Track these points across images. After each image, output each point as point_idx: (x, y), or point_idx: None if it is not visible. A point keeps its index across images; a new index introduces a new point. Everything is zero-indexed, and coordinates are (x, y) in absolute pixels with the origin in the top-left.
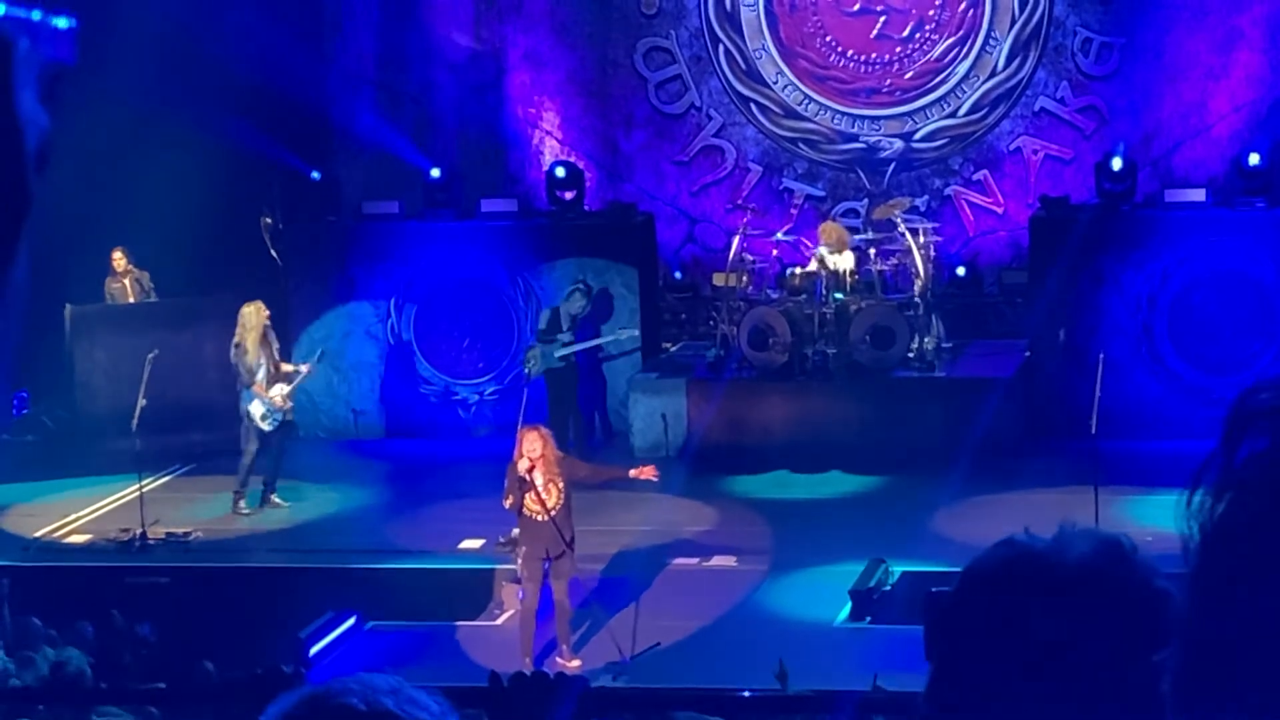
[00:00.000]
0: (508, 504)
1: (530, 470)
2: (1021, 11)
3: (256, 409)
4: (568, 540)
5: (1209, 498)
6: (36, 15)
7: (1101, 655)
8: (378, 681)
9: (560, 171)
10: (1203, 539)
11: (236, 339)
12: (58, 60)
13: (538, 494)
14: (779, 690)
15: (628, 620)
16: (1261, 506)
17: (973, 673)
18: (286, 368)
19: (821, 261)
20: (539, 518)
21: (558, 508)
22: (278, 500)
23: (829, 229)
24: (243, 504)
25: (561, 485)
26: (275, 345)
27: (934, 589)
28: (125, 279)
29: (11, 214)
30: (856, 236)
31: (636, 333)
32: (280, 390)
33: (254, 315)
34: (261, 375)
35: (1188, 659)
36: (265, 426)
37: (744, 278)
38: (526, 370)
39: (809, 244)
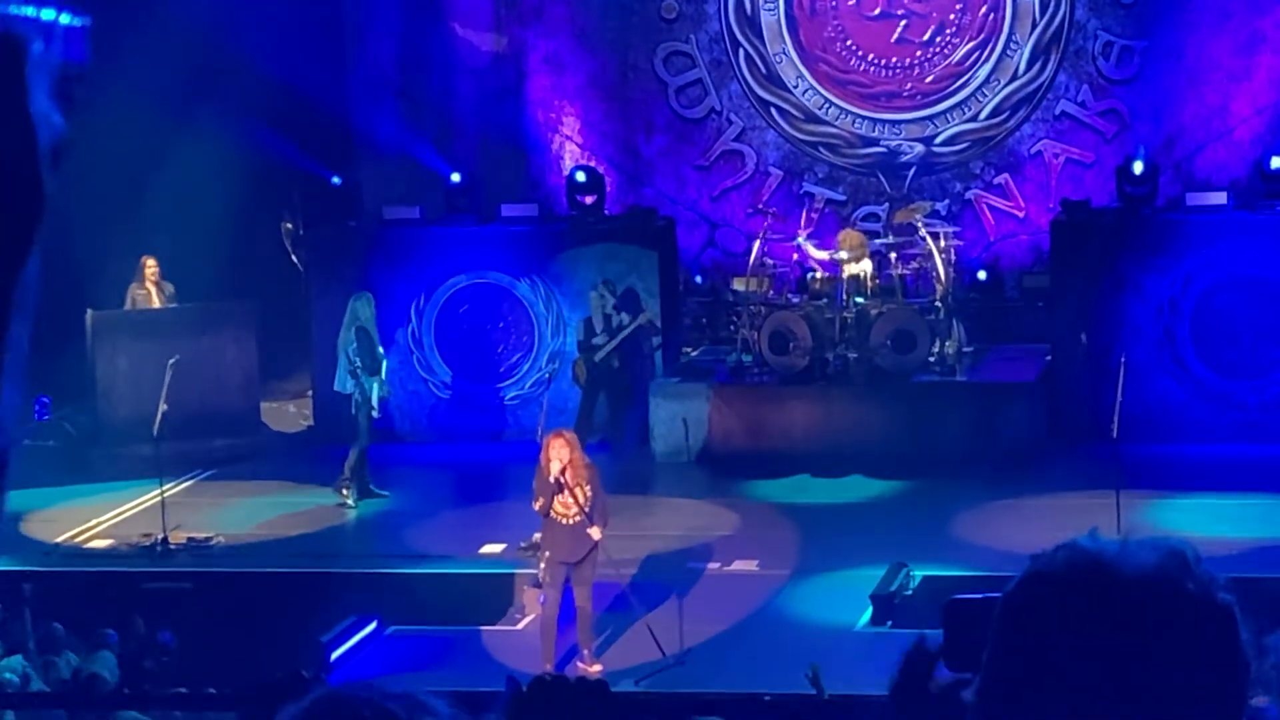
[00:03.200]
0: (538, 506)
1: (561, 473)
2: (1042, 15)
3: (374, 397)
4: (591, 543)
5: None
6: (49, 14)
7: (1160, 664)
8: (388, 686)
9: (580, 176)
10: None
11: (357, 325)
12: (71, 60)
13: (567, 496)
14: (800, 694)
15: (665, 619)
16: None
17: (1029, 674)
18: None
19: (838, 263)
20: (565, 520)
21: (584, 510)
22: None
23: (850, 236)
24: (347, 495)
25: (588, 489)
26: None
27: (956, 596)
28: (151, 287)
29: (28, 213)
30: (877, 240)
31: (648, 313)
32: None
33: (366, 307)
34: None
35: None
36: (376, 414)
37: (765, 282)
38: (577, 383)
39: (819, 260)
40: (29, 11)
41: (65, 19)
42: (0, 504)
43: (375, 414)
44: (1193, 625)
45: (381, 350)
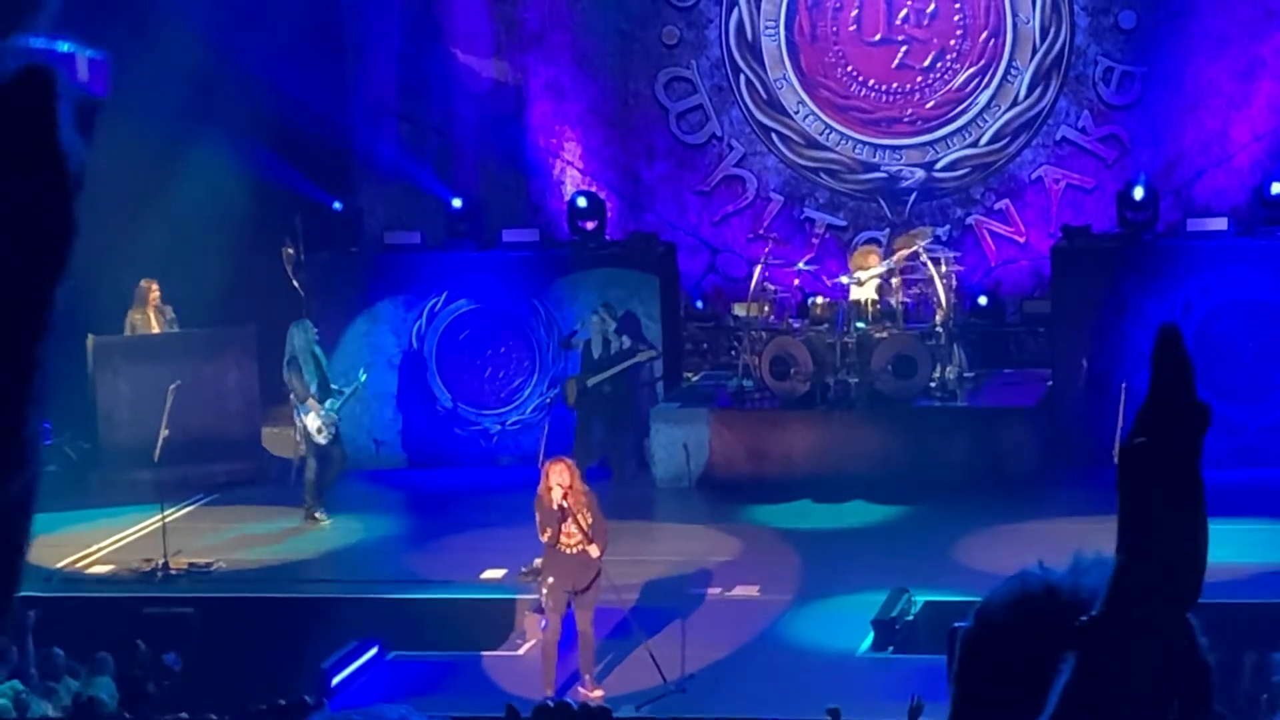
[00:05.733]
0: (545, 537)
1: (563, 498)
2: (1043, 41)
3: (313, 422)
4: (595, 571)
5: None
6: (65, 47)
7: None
8: (386, 712)
9: (582, 201)
10: None
11: (289, 356)
12: (92, 93)
13: (570, 525)
14: None
15: (667, 644)
16: None
17: (992, 707)
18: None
19: (858, 284)
20: (568, 550)
21: (587, 537)
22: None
23: (868, 255)
24: (319, 514)
25: (588, 515)
26: (324, 362)
27: (957, 624)
28: (152, 311)
29: (59, 242)
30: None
31: (655, 351)
32: (331, 404)
33: (301, 334)
34: (315, 390)
35: None
36: (321, 440)
37: (765, 307)
38: (565, 402)
39: (826, 279)
40: (54, 45)
41: (87, 53)
42: (28, 529)
43: (319, 440)
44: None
45: (313, 380)
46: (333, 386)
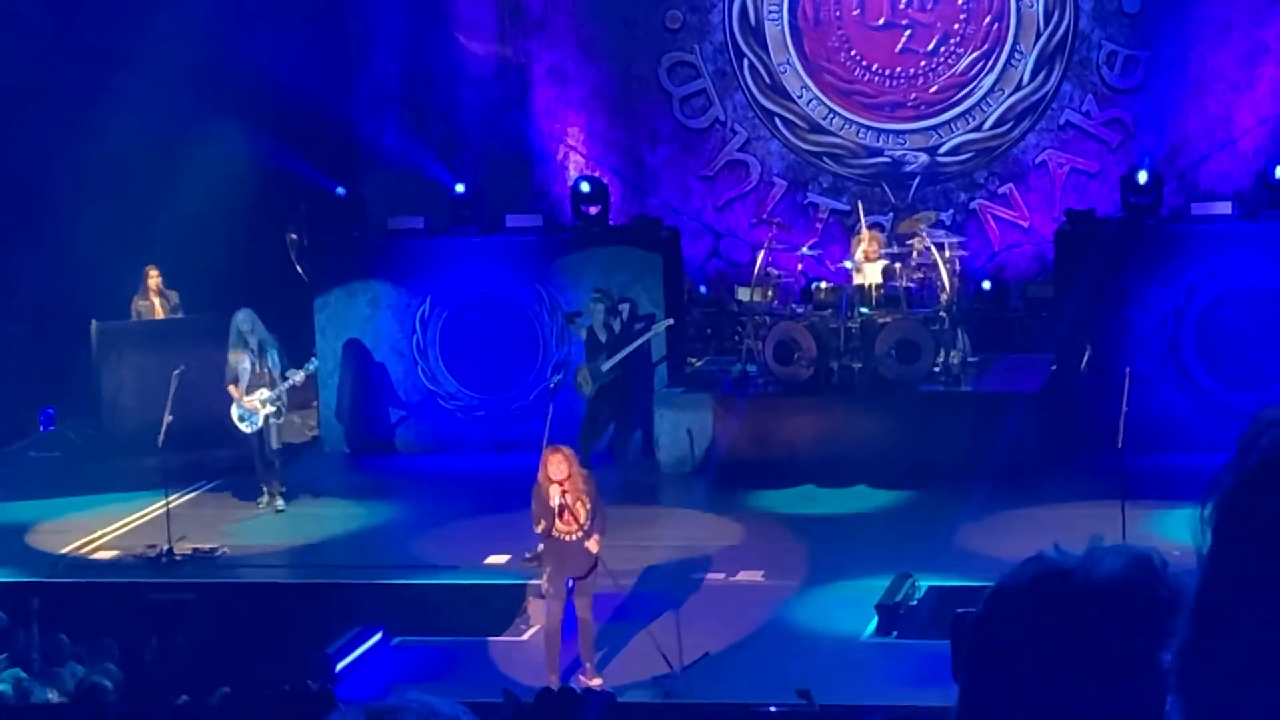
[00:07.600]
0: (539, 528)
1: (562, 494)
2: (1046, 25)
3: (233, 412)
4: (593, 559)
5: (1221, 503)
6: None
7: (1131, 670)
8: (440, 707)
9: (585, 186)
10: (1214, 540)
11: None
12: None
13: (567, 514)
14: (806, 706)
15: (669, 631)
16: (1268, 505)
17: (1003, 689)
18: (295, 374)
19: (859, 270)
20: (566, 538)
21: (585, 526)
22: (278, 505)
23: (871, 239)
24: (277, 499)
25: (587, 501)
26: (267, 352)
27: (961, 610)
28: (155, 297)
29: None
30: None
31: (670, 320)
32: (260, 395)
33: (234, 324)
34: (244, 380)
35: (1196, 652)
36: (244, 429)
37: (769, 292)
38: (581, 392)
39: (830, 263)
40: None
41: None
42: None
43: (242, 429)
44: (1163, 630)
45: (246, 371)
46: (286, 374)
